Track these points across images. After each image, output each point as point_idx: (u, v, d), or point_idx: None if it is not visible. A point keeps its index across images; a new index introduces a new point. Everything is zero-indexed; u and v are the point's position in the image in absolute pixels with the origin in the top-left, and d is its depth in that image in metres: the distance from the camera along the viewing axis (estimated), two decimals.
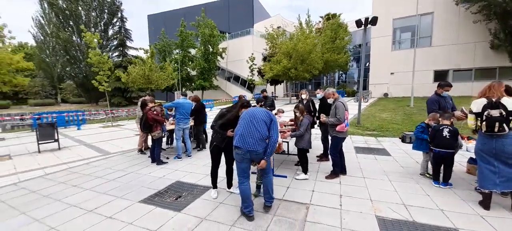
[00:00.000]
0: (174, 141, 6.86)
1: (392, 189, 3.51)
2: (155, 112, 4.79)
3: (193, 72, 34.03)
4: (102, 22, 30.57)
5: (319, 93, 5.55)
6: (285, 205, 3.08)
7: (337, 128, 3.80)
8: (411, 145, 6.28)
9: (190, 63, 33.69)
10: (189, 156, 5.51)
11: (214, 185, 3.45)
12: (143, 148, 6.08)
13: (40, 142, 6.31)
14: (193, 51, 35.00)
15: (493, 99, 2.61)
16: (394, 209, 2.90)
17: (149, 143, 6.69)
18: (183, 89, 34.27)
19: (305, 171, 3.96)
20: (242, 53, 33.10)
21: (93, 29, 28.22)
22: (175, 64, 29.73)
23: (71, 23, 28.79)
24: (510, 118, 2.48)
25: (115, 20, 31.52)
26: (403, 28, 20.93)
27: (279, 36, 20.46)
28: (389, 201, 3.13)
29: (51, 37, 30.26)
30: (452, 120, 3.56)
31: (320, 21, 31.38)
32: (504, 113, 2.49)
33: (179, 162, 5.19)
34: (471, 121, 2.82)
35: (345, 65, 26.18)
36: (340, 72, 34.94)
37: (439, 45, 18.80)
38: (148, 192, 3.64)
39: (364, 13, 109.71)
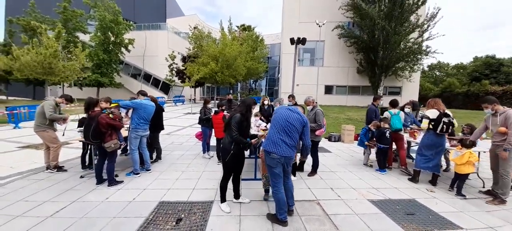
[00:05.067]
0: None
1: (357, 177, 4.50)
2: (111, 115, 3.60)
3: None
4: None
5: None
6: (299, 205, 3.27)
7: (317, 132, 4.36)
8: (339, 142, 8.08)
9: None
10: (148, 170, 4.49)
11: (224, 198, 3.11)
12: (55, 165, 4.33)
13: None
14: (83, 37, 27.39)
15: (441, 111, 3.94)
16: (372, 192, 3.79)
17: (64, 156, 4.96)
18: (65, 85, 26.04)
19: (294, 174, 4.29)
20: (154, 49, 29.42)
21: None
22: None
23: None
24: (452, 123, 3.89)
25: None
26: (305, 49, 25.84)
27: (204, 38, 19.90)
28: (363, 187, 4.02)
29: None
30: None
31: (236, 30, 33.19)
32: (451, 120, 3.86)
33: (138, 178, 4.13)
34: (425, 124, 4.05)
35: (262, 73, 29.03)
36: (252, 80, 38.26)
37: (328, 66, 24.69)
38: (131, 222, 2.76)
39: (269, 28, 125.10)
